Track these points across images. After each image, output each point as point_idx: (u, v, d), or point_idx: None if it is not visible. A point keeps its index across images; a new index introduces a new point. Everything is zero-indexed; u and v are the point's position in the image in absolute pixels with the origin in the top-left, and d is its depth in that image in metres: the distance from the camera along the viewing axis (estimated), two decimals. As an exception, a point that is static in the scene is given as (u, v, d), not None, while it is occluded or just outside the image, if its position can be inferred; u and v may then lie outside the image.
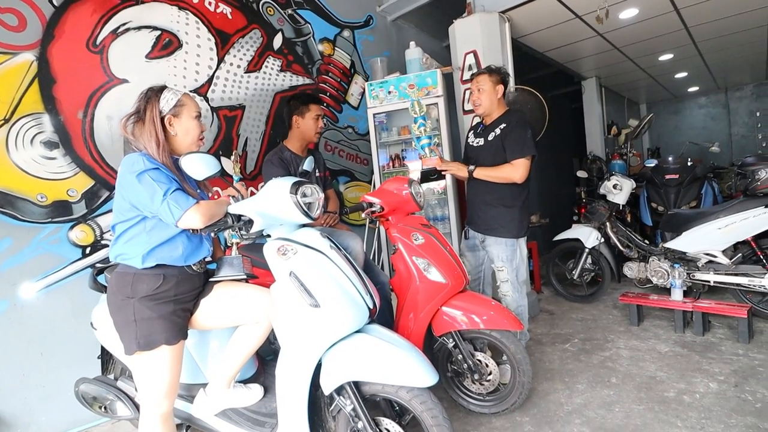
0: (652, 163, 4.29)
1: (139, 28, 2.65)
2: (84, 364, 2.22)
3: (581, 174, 4.66)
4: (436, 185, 3.53)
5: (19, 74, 2.26)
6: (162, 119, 1.55)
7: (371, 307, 1.64)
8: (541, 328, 3.32)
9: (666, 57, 5.61)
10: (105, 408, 1.94)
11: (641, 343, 2.89)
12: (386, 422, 1.59)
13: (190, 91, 2.85)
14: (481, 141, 2.52)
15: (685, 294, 3.14)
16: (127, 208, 1.49)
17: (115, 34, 2.54)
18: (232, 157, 2.00)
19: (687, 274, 3.21)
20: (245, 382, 1.90)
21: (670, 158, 4.25)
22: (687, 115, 9.20)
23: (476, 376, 2.10)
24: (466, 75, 3.53)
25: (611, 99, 7.34)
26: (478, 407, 2.17)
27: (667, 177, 4.06)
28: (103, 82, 2.49)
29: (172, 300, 1.54)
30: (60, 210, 2.39)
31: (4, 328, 2.23)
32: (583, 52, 5.14)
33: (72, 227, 2.42)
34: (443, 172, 2.48)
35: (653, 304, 3.15)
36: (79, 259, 2.44)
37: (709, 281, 3.18)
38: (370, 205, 2.13)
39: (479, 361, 2.13)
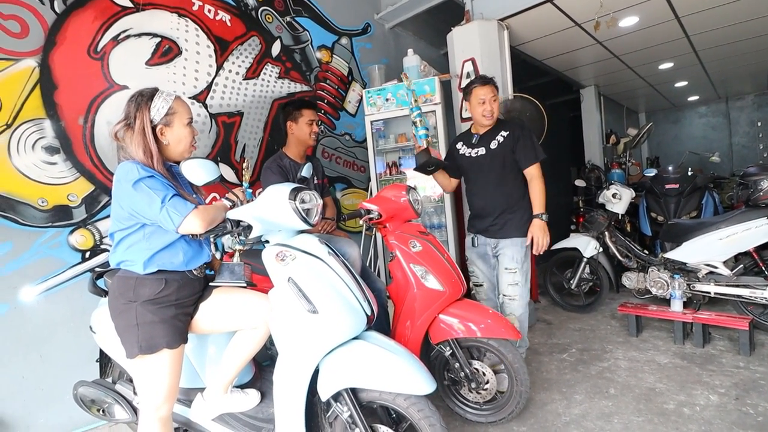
0: (651, 172, 4.29)
1: (140, 35, 2.67)
2: (83, 367, 2.22)
3: (579, 183, 4.67)
4: (433, 193, 3.54)
5: (22, 80, 2.27)
6: (153, 128, 1.53)
7: (369, 314, 1.64)
8: (539, 338, 3.31)
9: (666, 66, 5.64)
10: (103, 411, 1.93)
11: (640, 354, 2.87)
12: (383, 429, 1.60)
13: (190, 98, 2.87)
14: (482, 150, 2.51)
15: (685, 305, 3.13)
16: (125, 216, 1.49)
17: (115, 40, 2.56)
18: (245, 165, 2.03)
19: (687, 285, 3.20)
20: (242, 387, 1.90)
21: (670, 168, 4.26)
22: (687, 125, 9.23)
23: (473, 385, 2.09)
24: (464, 82, 3.55)
25: (610, 108, 7.37)
26: (475, 416, 2.16)
27: (667, 187, 4.06)
28: (104, 89, 2.51)
29: (174, 304, 1.54)
30: (60, 214, 2.39)
31: (3, 331, 2.23)
32: (582, 60, 5.17)
33: (72, 231, 2.43)
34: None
35: (652, 314, 3.14)
36: (79, 263, 2.44)
37: (709, 292, 3.16)
38: (368, 212, 2.14)
39: (476, 369, 2.13)
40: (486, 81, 2.47)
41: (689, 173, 4.06)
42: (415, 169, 2.55)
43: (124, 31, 2.61)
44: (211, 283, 1.72)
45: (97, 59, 2.50)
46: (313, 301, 1.52)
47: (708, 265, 3.16)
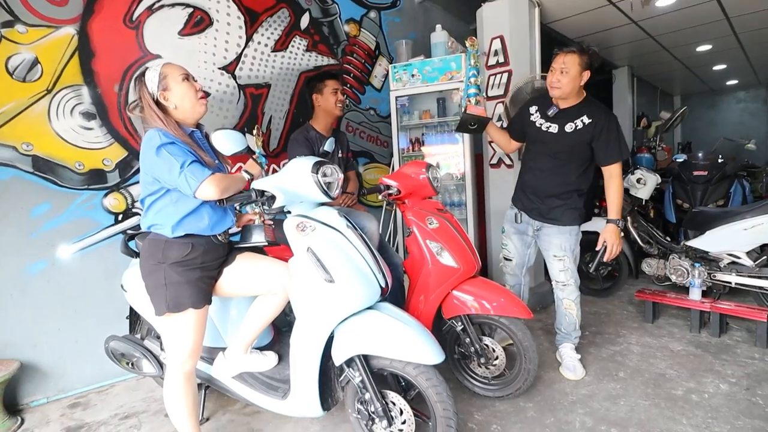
0: (681, 158, 4.17)
1: (173, 5, 2.71)
2: (114, 323, 2.37)
3: (605, 166, 4.57)
4: (456, 170, 3.54)
5: (61, 47, 2.36)
6: (156, 100, 1.60)
7: (383, 285, 1.70)
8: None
9: (704, 48, 5.39)
10: (132, 364, 2.08)
11: (654, 340, 2.88)
12: (392, 395, 1.67)
13: (219, 68, 2.93)
14: (555, 128, 2.29)
15: (705, 294, 3.09)
16: (150, 181, 1.58)
17: (150, 10, 2.62)
18: (255, 131, 2.05)
19: (708, 273, 3.15)
20: (262, 349, 2.01)
21: (699, 154, 4.12)
22: (724, 110, 8.84)
23: (482, 360, 2.16)
24: (492, 60, 3.49)
25: (643, 90, 7.11)
26: (483, 390, 2.23)
27: (695, 173, 3.94)
28: (138, 57, 2.58)
29: (199, 267, 1.64)
30: (95, 178, 2.52)
31: (42, 286, 2.40)
32: (616, 40, 4.98)
33: (106, 194, 2.56)
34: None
35: (670, 302, 3.12)
36: (112, 225, 2.58)
37: (730, 282, 3.11)
38: (388, 187, 2.17)
39: (486, 345, 2.18)
40: (568, 50, 2.17)
41: (719, 160, 3.92)
42: (456, 129, 2.45)
43: (158, 1, 2.65)
44: (237, 245, 1.80)
45: (132, 28, 2.57)
46: (330, 271, 1.58)
47: (730, 254, 3.10)
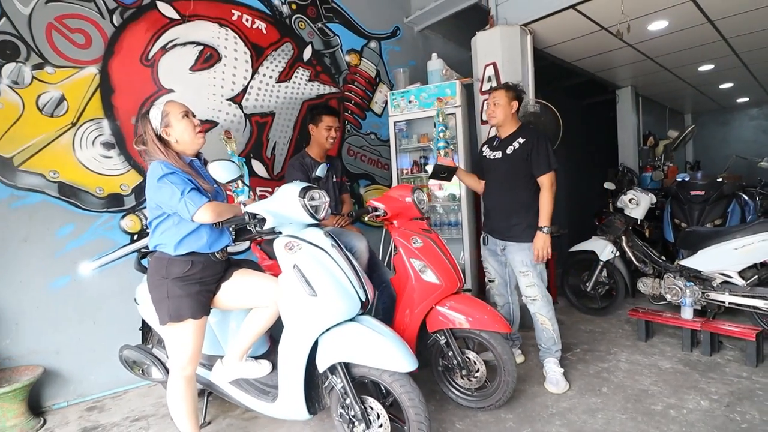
0: (684, 177, 4.21)
1: (185, 43, 3.01)
2: (128, 333, 2.58)
3: (609, 186, 4.63)
4: (457, 191, 3.68)
5: (85, 85, 2.66)
6: (159, 135, 1.80)
7: (363, 299, 1.86)
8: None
9: (707, 68, 5.44)
10: (143, 371, 2.27)
11: (644, 358, 2.92)
12: (371, 401, 1.82)
13: (227, 99, 3.19)
14: (499, 154, 2.65)
15: (701, 314, 3.12)
16: (154, 207, 1.79)
17: (164, 49, 2.91)
18: (222, 135, 2.33)
19: (702, 293, 3.19)
20: (258, 358, 2.18)
21: (698, 174, 4.18)
22: (736, 127, 8.74)
23: (464, 372, 2.27)
24: (486, 86, 3.67)
25: (650, 108, 7.14)
26: (465, 401, 2.34)
27: (693, 193, 3.99)
28: (153, 92, 2.87)
29: (198, 282, 1.83)
30: (114, 201, 2.78)
31: (65, 299, 2.65)
32: (615, 62, 5.10)
33: (123, 216, 2.82)
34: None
35: (662, 320, 3.16)
36: (128, 244, 2.83)
37: (724, 302, 3.15)
38: (375, 209, 2.35)
39: (468, 358, 2.30)
40: (496, 87, 2.69)
41: (717, 180, 3.97)
42: (429, 177, 2.84)
43: (172, 41, 2.95)
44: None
45: (147, 66, 2.86)
46: (314, 286, 1.75)
47: (722, 274, 3.13)
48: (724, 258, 3.10)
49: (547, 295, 2.60)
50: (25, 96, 2.52)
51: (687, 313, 3.10)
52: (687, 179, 4.20)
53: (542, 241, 2.48)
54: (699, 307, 3.16)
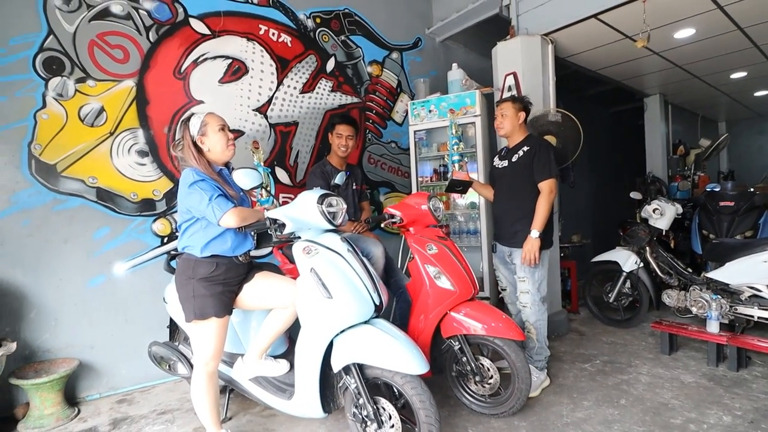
0: (716, 187, 4.10)
1: (215, 57, 3.17)
2: (157, 330, 2.73)
3: (635, 195, 4.55)
4: (472, 196, 3.71)
5: (123, 97, 2.85)
6: (194, 142, 1.94)
7: (377, 303, 1.92)
8: (566, 347, 3.38)
9: (739, 75, 5.28)
10: (169, 367, 2.39)
11: (666, 371, 2.86)
12: (383, 402, 1.87)
13: (253, 110, 3.34)
14: (506, 163, 2.76)
15: (729, 328, 3.03)
16: (184, 211, 1.92)
17: (195, 63, 3.09)
18: (251, 146, 2.46)
19: (729, 306, 3.10)
20: (277, 357, 2.27)
21: (729, 184, 4.06)
22: (774, 136, 8.40)
23: (478, 378, 2.29)
24: (506, 95, 3.69)
25: (681, 117, 6.95)
26: (478, 407, 2.35)
27: (722, 204, 3.89)
28: (184, 103, 3.04)
29: (222, 283, 1.93)
30: (146, 206, 2.95)
31: (101, 297, 2.82)
32: (642, 70, 5.01)
33: (155, 220, 2.98)
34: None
35: (686, 333, 3.08)
36: (158, 246, 2.99)
37: (753, 316, 3.05)
38: (392, 216, 2.41)
39: (482, 364, 2.32)
40: (503, 100, 2.81)
41: (749, 190, 3.85)
42: (445, 191, 3.00)
43: (203, 55, 3.12)
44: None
45: (180, 79, 3.03)
46: (329, 289, 1.83)
47: (751, 287, 3.04)
48: (753, 271, 3.01)
49: (539, 304, 2.63)
50: (68, 107, 2.71)
51: (713, 327, 3.01)
52: (717, 189, 4.08)
53: (530, 245, 2.53)
54: (726, 321, 3.07)
